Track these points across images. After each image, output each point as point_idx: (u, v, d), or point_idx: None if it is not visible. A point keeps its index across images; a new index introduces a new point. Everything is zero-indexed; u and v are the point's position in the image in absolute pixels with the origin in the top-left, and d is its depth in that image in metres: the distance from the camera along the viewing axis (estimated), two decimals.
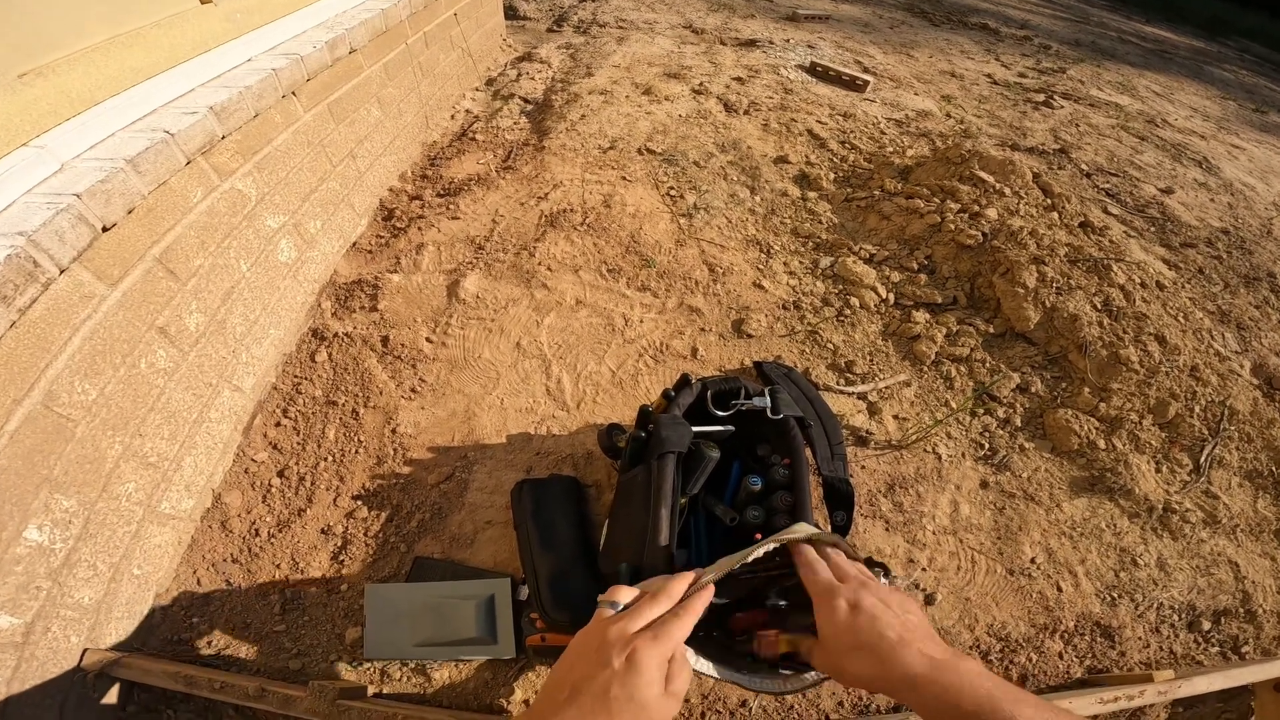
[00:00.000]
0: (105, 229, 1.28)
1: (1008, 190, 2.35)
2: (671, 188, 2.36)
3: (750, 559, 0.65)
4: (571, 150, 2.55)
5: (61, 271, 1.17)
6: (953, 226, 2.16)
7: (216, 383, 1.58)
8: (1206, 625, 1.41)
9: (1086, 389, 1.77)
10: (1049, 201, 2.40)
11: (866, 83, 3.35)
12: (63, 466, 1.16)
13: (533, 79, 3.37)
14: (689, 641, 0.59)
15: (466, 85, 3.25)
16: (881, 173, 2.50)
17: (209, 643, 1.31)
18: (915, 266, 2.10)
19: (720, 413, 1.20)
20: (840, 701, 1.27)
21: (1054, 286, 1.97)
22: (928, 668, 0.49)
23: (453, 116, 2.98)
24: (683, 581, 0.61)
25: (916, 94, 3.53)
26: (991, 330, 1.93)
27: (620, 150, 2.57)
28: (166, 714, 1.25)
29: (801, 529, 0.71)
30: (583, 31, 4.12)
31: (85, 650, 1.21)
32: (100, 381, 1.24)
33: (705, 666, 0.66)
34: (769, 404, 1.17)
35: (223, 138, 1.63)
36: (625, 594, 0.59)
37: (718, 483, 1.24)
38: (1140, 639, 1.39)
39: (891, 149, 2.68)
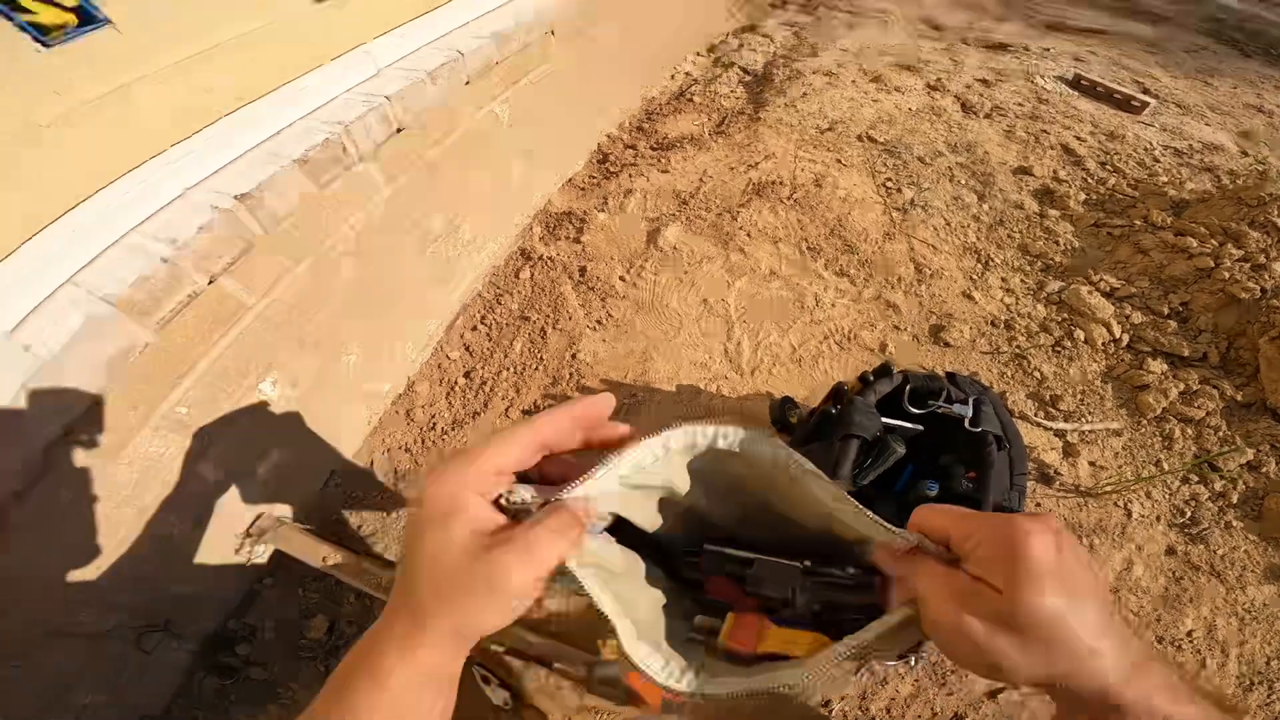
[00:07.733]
0: (399, 130, 1.49)
1: None
2: (889, 179, 2.23)
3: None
4: (787, 125, 2.50)
5: (360, 160, 1.39)
6: (1226, 275, 1.80)
7: (446, 277, 1.80)
8: None
9: None
10: None
11: (1145, 104, 2.84)
12: (313, 327, 1.34)
13: (754, 51, 3.34)
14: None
15: (688, 49, 3.32)
16: (1148, 202, 2.12)
17: (359, 527, 1.40)
18: (1165, 311, 1.78)
19: (915, 410, 1.13)
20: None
21: None
22: (1127, 678, 0.30)
23: (672, 77, 3.07)
24: (532, 426, 0.37)
25: (1208, 124, 2.92)
26: (1239, 399, 1.60)
27: (838, 134, 2.47)
28: (298, 593, 1.33)
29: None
30: (809, 12, 3.98)
31: (259, 515, 1.29)
32: (364, 261, 1.45)
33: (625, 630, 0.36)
34: (970, 413, 1.08)
35: (496, 64, 1.83)
36: None
37: (885, 482, 1.18)
38: None
39: (1166, 179, 2.26)
